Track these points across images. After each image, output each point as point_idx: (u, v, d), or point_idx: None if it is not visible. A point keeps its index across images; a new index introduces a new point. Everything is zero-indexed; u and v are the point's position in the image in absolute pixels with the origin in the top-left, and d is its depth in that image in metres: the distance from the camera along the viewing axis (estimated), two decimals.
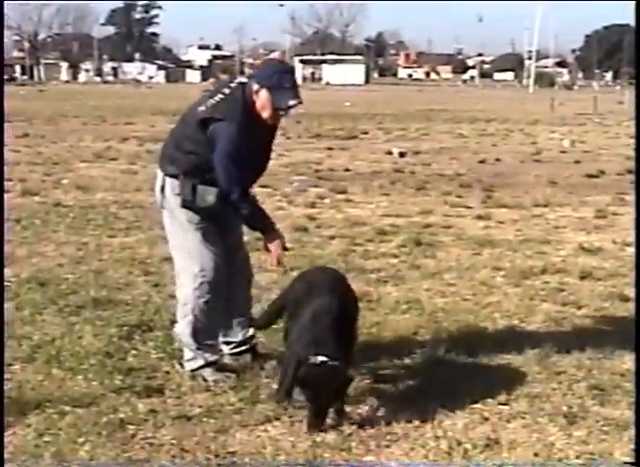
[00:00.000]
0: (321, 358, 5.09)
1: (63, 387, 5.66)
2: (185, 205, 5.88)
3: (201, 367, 5.95)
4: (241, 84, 5.78)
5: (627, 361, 6.26)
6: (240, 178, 5.69)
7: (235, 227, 6.11)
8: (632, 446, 4.92)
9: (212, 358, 6.00)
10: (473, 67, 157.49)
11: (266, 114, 5.67)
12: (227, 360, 6.21)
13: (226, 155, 5.61)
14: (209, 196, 5.73)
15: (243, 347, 6.24)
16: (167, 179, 5.97)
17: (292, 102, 5.63)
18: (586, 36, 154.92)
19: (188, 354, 6.01)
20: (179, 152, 5.89)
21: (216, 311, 6.00)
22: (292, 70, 5.78)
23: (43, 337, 6.68)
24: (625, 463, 4.67)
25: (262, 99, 5.62)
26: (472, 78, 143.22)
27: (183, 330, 6.02)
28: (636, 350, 5.91)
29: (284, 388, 5.35)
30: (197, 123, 5.73)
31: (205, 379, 5.83)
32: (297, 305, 5.62)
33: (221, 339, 6.22)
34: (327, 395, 5.09)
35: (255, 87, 5.64)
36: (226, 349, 6.25)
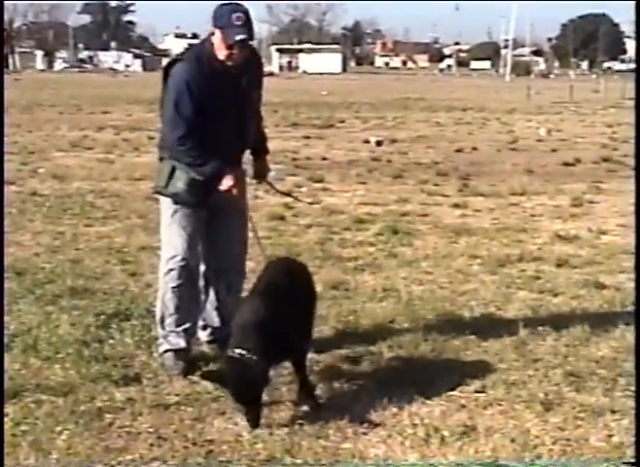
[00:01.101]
0: (238, 351, 4.99)
1: (40, 376, 5.66)
2: (156, 191, 5.90)
3: (165, 352, 5.97)
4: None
5: (603, 348, 6.30)
6: (188, 122, 5.59)
7: (234, 217, 5.99)
8: (612, 436, 4.98)
9: (177, 345, 5.98)
10: (449, 56, 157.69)
11: (221, 55, 5.57)
12: (204, 348, 6.22)
13: (173, 93, 5.60)
14: (179, 181, 5.72)
15: (220, 334, 6.16)
16: (159, 164, 5.94)
17: (239, 37, 5.51)
18: (562, 25, 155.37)
19: (159, 338, 6.08)
20: (162, 126, 5.87)
21: (187, 299, 5.98)
22: (244, 10, 5.58)
23: (19, 326, 6.66)
24: (625, 463, 4.69)
25: (216, 40, 5.58)
26: (449, 67, 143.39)
27: (155, 314, 6.10)
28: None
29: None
30: (162, 78, 5.74)
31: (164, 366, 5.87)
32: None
33: (200, 323, 6.22)
34: (238, 389, 4.98)
35: (212, 30, 5.63)
36: (203, 336, 6.26)
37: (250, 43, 5.70)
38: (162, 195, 5.86)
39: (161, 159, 5.88)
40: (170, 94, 5.63)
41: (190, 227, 5.87)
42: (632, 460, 4.65)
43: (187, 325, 6.06)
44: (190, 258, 5.90)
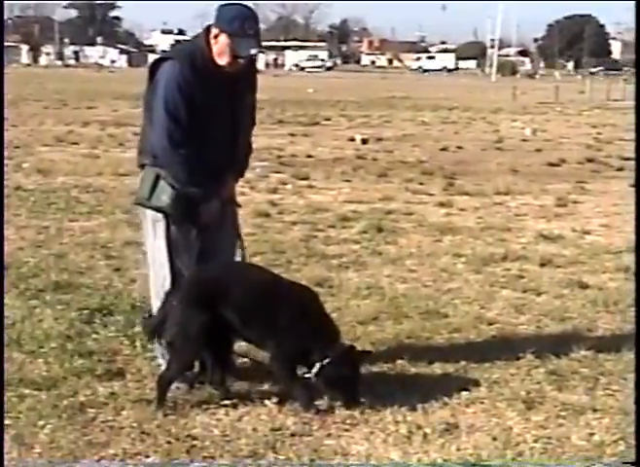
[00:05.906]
0: None
1: (23, 370, 5.65)
2: (138, 203, 5.43)
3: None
4: (205, 29, 5.28)
5: (584, 347, 6.29)
6: (182, 128, 5.13)
7: (226, 230, 5.59)
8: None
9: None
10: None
11: (223, 61, 5.15)
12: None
13: (164, 96, 5.12)
14: (163, 195, 5.26)
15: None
16: (141, 172, 5.46)
17: (254, 51, 5.14)
18: (548, 26, 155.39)
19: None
20: (144, 129, 5.43)
21: None
22: (255, 17, 5.20)
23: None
24: (625, 463, 4.70)
25: (220, 45, 5.13)
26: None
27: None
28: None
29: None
30: (148, 77, 5.28)
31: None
32: None
33: None
34: None
35: (214, 30, 5.15)
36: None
37: None
38: (145, 207, 5.40)
39: (142, 165, 5.41)
40: (160, 97, 5.13)
41: (180, 241, 5.41)
42: (632, 460, 4.67)
43: None
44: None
